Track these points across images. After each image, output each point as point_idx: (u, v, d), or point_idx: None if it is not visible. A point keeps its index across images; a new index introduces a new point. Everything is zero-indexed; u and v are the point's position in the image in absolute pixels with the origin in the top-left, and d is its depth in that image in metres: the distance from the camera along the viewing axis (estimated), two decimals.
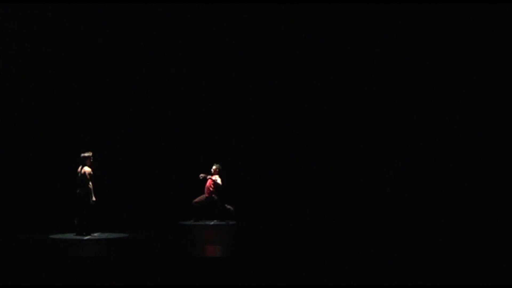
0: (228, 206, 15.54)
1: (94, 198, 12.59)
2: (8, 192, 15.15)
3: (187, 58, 16.49)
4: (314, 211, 15.73)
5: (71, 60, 16.03)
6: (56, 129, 15.93)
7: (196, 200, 15.56)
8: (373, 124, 16.24)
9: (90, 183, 12.63)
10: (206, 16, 16.16)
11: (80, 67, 16.10)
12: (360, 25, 16.03)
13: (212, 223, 15.42)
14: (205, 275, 9.14)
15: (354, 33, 16.07)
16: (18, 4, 15.42)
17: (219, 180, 15.51)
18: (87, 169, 12.68)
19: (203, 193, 15.61)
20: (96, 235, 12.62)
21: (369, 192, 15.83)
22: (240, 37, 16.41)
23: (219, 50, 16.49)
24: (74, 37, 15.94)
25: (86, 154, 12.78)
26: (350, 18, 16.00)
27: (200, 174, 15.55)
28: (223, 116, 16.73)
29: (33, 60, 15.83)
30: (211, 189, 15.54)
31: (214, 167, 15.62)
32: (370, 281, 8.84)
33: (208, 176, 15.53)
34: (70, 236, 12.66)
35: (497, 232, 12.91)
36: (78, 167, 12.80)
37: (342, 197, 15.88)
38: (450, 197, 15.30)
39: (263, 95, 16.62)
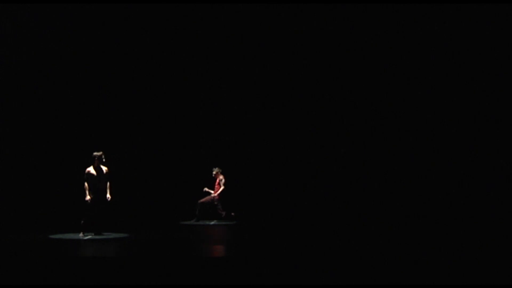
0: (221, 212, 15.51)
1: (87, 197, 12.66)
2: (8, 192, 15.14)
3: (187, 59, 16.49)
4: (314, 211, 15.73)
5: (70, 60, 16.03)
6: (57, 129, 15.93)
7: (202, 200, 15.56)
8: (373, 124, 16.24)
9: (86, 183, 12.68)
10: (206, 16, 16.16)
11: (80, 67, 16.10)
12: (359, 25, 16.03)
13: (212, 223, 15.42)
14: (205, 275, 9.13)
15: (353, 34, 16.08)
16: (18, 4, 15.43)
17: (222, 185, 15.55)
18: (88, 168, 12.75)
19: (206, 193, 15.66)
20: (89, 235, 12.63)
21: (369, 192, 15.84)
22: (240, 37, 16.41)
23: (219, 51, 16.49)
24: (74, 37, 15.95)
25: (94, 154, 12.81)
26: (350, 18, 16.01)
27: (204, 188, 15.61)
28: (223, 116, 16.73)
29: (32, 60, 15.83)
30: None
31: (214, 171, 15.63)
32: (370, 281, 8.83)
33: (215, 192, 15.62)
34: (70, 236, 12.66)
35: (497, 232, 12.91)
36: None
37: (342, 197, 15.88)
38: (450, 197, 15.31)
39: (263, 95, 16.62)
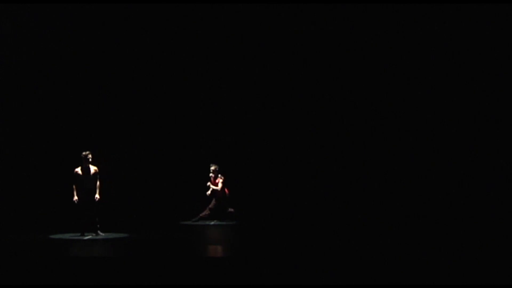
0: (202, 214, 15.44)
1: (74, 198, 12.65)
2: (8, 192, 15.14)
3: (187, 59, 16.48)
4: (314, 211, 15.72)
5: (70, 60, 16.03)
6: (57, 129, 15.92)
7: (211, 206, 15.46)
8: (373, 124, 16.24)
9: (74, 184, 12.69)
10: (206, 16, 16.16)
11: (79, 67, 16.10)
12: (359, 25, 16.04)
13: (212, 223, 15.40)
14: (205, 275, 9.13)
15: (353, 34, 16.08)
16: (18, 4, 15.44)
17: (219, 186, 15.45)
18: (76, 169, 12.78)
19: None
20: (89, 235, 12.63)
21: (369, 192, 15.83)
22: (240, 37, 16.40)
23: (219, 51, 16.49)
24: (74, 37, 15.95)
25: (82, 154, 12.79)
26: (350, 18, 16.01)
27: (207, 192, 15.51)
28: (223, 116, 16.72)
29: (32, 60, 15.84)
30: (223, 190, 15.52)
31: (212, 168, 15.54)
32: (370, 281, 8.83)
33: (212, 187, 15.47)
34: (70, 236, 12.66)
35: (497, 232, 12.91)
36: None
37: (342, 197, 15.88)
38: (450, 197, 15.32)
39: (263, 95, 16.62)
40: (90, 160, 12.76)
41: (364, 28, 16.03)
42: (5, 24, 15.57)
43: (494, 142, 15.49)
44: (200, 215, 15.40)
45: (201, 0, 15.90)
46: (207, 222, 15.37)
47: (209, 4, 15.96)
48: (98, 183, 12.80)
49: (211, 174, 15.48)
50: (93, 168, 12.80)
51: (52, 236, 12.57)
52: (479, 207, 14.84)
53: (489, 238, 12.08)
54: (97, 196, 12.70)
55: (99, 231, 12.70)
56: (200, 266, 9.56)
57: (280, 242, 12.01)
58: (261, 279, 8.90)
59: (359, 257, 10.10)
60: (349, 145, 16.28)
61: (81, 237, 12.52)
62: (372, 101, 16.23)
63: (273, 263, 9.62)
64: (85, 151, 12.79)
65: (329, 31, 16.16)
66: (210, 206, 15.41)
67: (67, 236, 12.68)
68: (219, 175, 15.51)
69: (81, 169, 12.76)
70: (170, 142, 16.53)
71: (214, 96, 16.67)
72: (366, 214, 15.09)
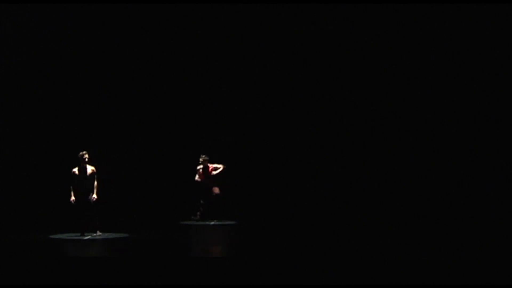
0: (199, 213, 15.48)
1: (71, 199, 12.63)
2: (8, 192, 15.14)
3: (187, 59, 16.49)
4: (314, 211, 15.72)
5: (70, 60, 16.04)
6: (56, 129, 15.93)
7: (202, 201, 15.49)
8: (373, 124, 16.25)
9: (71, 185, 12.67)
10: (206, 16, 16.16)
11: (79, 67, 16.10)
12: (359, 25, 16.04)
13: (212, 223, 15.40)
14: (205, 275, 9.13)
15: (353, 34, 16.09)
16: (18, 4, 15.44)
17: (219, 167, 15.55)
18: (73, 169, 12.74)
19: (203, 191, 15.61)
20: (89, 235, 12.62)
21: (369, 192, 15.83)
22: (240, 37, 16.40)
23: (219, 51, 16.49)
24: (74, 37, 15.96)
25: (79, 154, 12.76)
26: (350, 18, 16.02)
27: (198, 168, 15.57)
28: (223, 116, 16.72)
29: (32, 60, 15.85)
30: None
31: (200, 159, 15.58)
32: (370, 281, 8.84)
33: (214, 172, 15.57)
34: (70, 236, 12.66)
35: (497, 232, 12.91)
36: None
37: (342, 197, 15.88)
38: (450, 197, 15.32)
39: (263, 95, 16.62)
40: (87, 160, 12.71)
41: (364, 28, 16.04)
42: (5, 24, 15.58)
43: (494, 142, 15.49)
44: (198, 214, 15.42)
45: (201, 0, 15.91)
46: (207, 222, 15.37)
47: (209, 4, 15.97)
48: (95, 183, 12.76)
49: (200, 166, 15.53)
50: (90, 168, 12.77)
51: (52, 236, 12.57)
52: (479, 207, 14.84)
53: (489, 238, 12.08)
54: (94, 196, 12.65)
55: (99, 231, 12.69)
56: (200, 266, 9.56)
57: (280, 242, 12.01)
58: (261, 279, 8.90)
59: (359, 257, 10.10)
60: (349, 145, 16.28)
61: (81, 237, 12.51)
62: (372, 101, 16.24)
63: (273, 263, 9.62)
64: (82, 151, 12.76)
65: (329, 31, 16.17)
66: (201, 201, 15.44)
67: (67, 236, 12.68)
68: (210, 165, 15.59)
69: (78, 169, 12.74)
70: (170, 142, 16.53)
71: (214, 96, 16.67)
72: (366, 214, 15.08)
